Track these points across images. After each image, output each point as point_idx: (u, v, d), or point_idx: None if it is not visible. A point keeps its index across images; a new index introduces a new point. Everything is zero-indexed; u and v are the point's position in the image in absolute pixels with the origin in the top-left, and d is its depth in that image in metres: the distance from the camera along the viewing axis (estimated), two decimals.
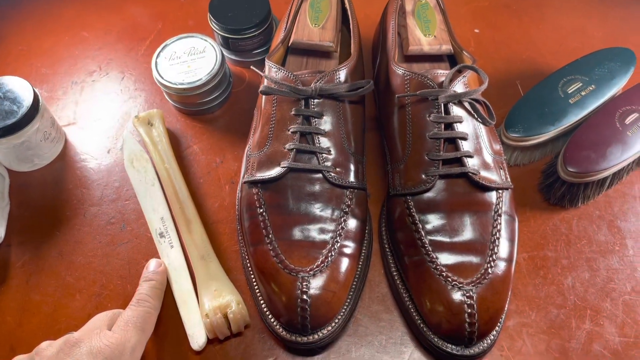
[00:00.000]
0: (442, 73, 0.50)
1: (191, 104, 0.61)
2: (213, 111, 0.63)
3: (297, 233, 0.47)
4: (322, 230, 0.47)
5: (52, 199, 0.57)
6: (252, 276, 0.49)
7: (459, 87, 0.49)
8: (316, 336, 0.45)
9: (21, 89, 0.54)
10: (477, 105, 0.50)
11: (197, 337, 0.48)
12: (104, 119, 0.63)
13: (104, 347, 0.40)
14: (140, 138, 0.60)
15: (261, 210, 0.48)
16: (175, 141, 0.61)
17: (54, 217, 0.56)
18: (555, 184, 0.54)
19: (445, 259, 0.46)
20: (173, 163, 0.57)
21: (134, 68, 0.68)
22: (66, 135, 0.62)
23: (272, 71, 0.52)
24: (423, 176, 0.48)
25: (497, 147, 0.52)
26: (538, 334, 0.48)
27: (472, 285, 0.44)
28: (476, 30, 0.70)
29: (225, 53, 0.65)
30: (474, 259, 0.45)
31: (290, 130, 0.49)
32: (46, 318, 0.50)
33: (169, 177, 0.56)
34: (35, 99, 0.54)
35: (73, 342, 0.40)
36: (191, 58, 0.60)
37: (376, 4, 0.68)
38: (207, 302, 0.48)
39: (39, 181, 0.59)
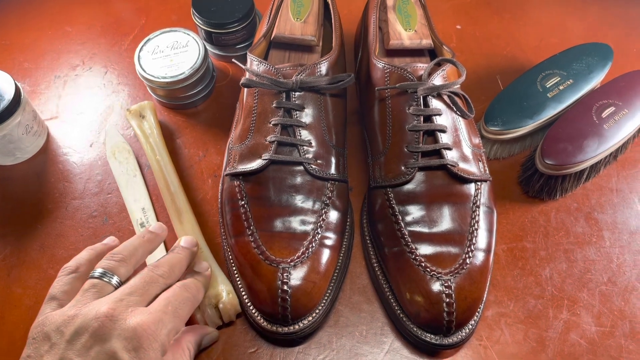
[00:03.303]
0: (421, 66, 0.50)
1: (174, 98, 0.61)
2: (196, 105, 0.64)
3: (278, 224, 0.47)
4: (303, 222, 0.48)
5: (34, 193, 0.57)
6: (234, 268, 0.49)
7: (437, 80, 0.50)
8: (297, 327, 0.45)
9: (3, 83, 0.54)
10: (456, 99, 0.50)
11: None
12: (87, 113, 0.63)
13: (138, 329, 0.36)
14: (132, 131, 0.60)
15: (243, 202, 0.48)
16: None
17: (35, 211, 0.56)
18: (533, 177, 0.55)
19: (424, 249, 0.46)
20: (164, 155, 0.57)
21: (117, 62, 0.67)
22: (48, 129, 0.62)
23: (253, 64, 0.52)
24: (403, 168, 0.49)
25: (477, 140, 0.52)
26: (516, 323, 0.49)
27: (451, 275, 0.44)
28: (458, 27, 0.71)
29: (208, 47, 0.65)
30: (452, 249, 0.46)
31: (272, 122, 0.50)
32: (27, 310, 0.50)
33: (160, 168, 0.56)
34: (17, 93, 0.54)
35: (106, 316, 0.36)
36: (174, 52, 0.60)
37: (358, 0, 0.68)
38: None
39: (20, 175, 0.58)
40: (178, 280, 0.44)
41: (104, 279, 0.40)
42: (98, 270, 0.40)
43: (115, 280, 0.40)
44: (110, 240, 0.47)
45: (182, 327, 0.40)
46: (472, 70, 0.66)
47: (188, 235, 0.49)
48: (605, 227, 0.55)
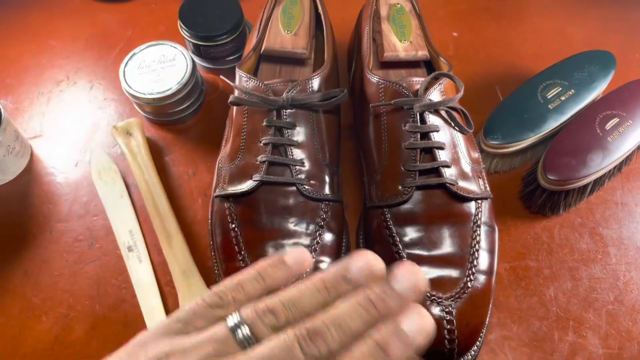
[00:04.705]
0: (417, 81, 0.48)
1: (162, 113, 0.59)
2: (185, 121, 0.61)
3: (270, 249, 0.45)
4: (297, 246, 0.46)
5: (17, 216, 0.55)
6: None
7: (434, 95, 0.48)
8: None
9: None
10: (454, 113, 0.48)
11: None
12: (72, 131, 0.61)
13: None
14: (119, 149, 0.58)
15: (233, 225, 0.46)
16: None
17: (19, 235, 0.54)
18: (535, 192, 0.53)
19: (424, 273, 0.44)
20: (153, 174, 0.55)
21: (103, 77, 0.65)
22: (32, 149, 0.60)
23: (242, 80, 0.50)
24: (400, 187, 0.47)
25: (476, 155, 0.50)
26: (520, 347, 0.47)
27: (452, 300, 0.42)
28: (454, 34, 0.69)
29: (197, 60, 0.63)
30: (453, 273, 0.44)
31: (262, 142, 0.48)
32: (11, 341, 0.48)
33: (149, 189, 0.54)
34: None
35: None
36: (161, 66, 0.58)
37: (352, 7, 0.66)
38: None
39: (3, 197, 0.56)
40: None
41: (237, 335, 0.27)
42: (234, 318, 0.27)
43: (246, 339, 0.27)
44: (298, 259, 0.31)
45: None
46: (469, 78, 0.64)
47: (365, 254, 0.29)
48: (610, 243, 0.53)
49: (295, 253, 0.30)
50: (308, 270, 0.31)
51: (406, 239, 0.46)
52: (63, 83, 0.65)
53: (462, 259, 0.45)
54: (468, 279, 0.44)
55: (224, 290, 0.29)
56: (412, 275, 0.28)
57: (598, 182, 0.53)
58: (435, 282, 0.43)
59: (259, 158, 0.47)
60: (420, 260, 0.45)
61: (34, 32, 0.70)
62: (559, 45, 0.68)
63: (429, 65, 0.57)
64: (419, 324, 0.26)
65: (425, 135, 0.47)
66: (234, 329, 0.27)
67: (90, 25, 0.71)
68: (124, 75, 0.57)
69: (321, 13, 0.57)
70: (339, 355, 0.25)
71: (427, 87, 0.48)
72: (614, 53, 0.59)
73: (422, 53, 0.54)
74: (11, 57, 0.67)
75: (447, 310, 0.42)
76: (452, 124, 0.48)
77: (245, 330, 0.27)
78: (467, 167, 0.48)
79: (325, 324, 0.26)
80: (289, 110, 0.48)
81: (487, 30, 0.69)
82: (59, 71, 0.66)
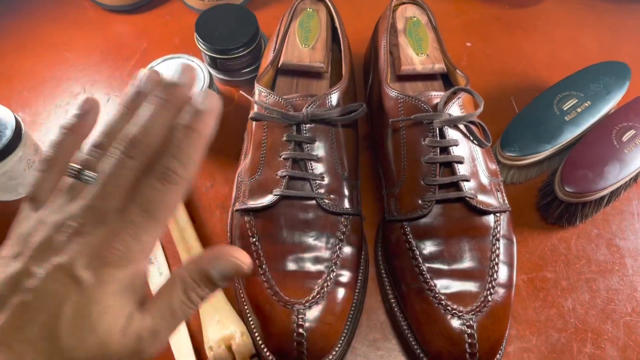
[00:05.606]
0: (436, 95, 0.48)
1: None
2: None
3: (291, 263, 0.45)
4: (317, 260, 0.46)
5: None
6: (246, 308, 0.47)
7: (454, 109, 0.48)
8: None
9: (2, 117, 0.52)
10: (473, 127, 0.49)
11: None
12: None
13: (101, 244, 0.28)
14: None
15: (254, 239, 0.47)
16: None
17: None
18: (552, 204, 0.53)
19: (444, 286, 0.44)
20: None
21: (119, 89, 0.66)
22: None
23: (262, 95, 0.50)
24: (419, 201, 0.47)
25: (493, 166, 0.51)
26: (539, 359, 0.47)
27: (472, 314, 0.43)
28: (468, 44, 0.69)
29: (213, 72, 0.64)
30: (473, 286, 0.44)
31: (282, 156, 0.48)
32: None
33: None
34: (18, 127, 0.52)
35: (68, 227, 0.28)
36: None
37: (366, 18, 0.66)
38: (210, 334, 0.47)
39: None
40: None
41: (82, 179, 0.30)
42: (73, 167, 0.30)
43: (91, 177, 0.30)
44: (84, 106, 0.33)
45: (162, 230, 0.30)
46: (484, 89, 0.64)
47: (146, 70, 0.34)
48: (627, 254, 0.53)
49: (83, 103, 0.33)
50: (99, 111, 0.34)
51: (426, 252, 0.46)
52: (80, 95, 0.65)
53: (482, 272, 0.45)
54: (488, 292, 0.44)
55: (46, 156, 0.32)
56: (189, 71, 0.32)
57: (614, 194, 0.54)
58: (456, 296, 0.44)
59: (279, 172, 0.48)
60: (440, 274, 0.45)
61: (48, 44, 0.70)
62: (573, 55, 0.68)
63: (445, 77, 0.57)
64: (207, 99, 0.30)
65: (445, 150, 0.48)
66: (76, 177, 0.30)
67: (105, 36, 0.71)
68: None
69: (338, 27, 0.57)
70: (164, 148, 0.29)
71: (446, 102, 0.48)
72: (628, 62, 0.59)
73: (439, 66, 0.54)
74: (26, 69, 0.68)
75: (468, 324, 0.42)
76: (471, 138, 0.48)
77: (86, 173, 0.29)
78: (485, 180, 0.48)
79: (138, 131, 0.29)
80: (308, 125, 0.48)
81: (500, 40, 0.70)
82: (75, 84, 0.66)
